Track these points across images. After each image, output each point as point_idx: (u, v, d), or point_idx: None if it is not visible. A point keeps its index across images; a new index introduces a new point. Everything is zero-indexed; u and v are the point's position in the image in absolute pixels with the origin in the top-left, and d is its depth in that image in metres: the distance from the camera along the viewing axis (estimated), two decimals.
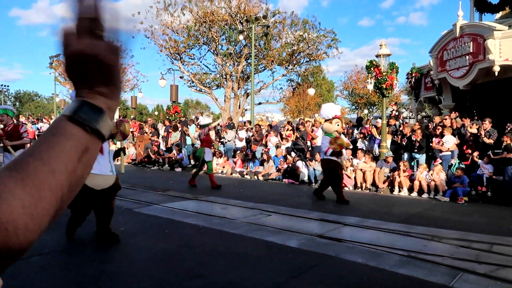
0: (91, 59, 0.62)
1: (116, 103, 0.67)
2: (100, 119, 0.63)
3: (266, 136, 14.33)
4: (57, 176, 0.56)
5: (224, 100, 26.77)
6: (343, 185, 10.39)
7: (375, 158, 11.13)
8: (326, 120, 8.54)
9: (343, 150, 8.65)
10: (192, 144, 15.40)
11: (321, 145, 8.58)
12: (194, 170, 10.47)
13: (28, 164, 0.55)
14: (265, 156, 12.67)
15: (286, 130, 14.50)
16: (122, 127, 4.84)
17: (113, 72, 0.64)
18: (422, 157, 10.70)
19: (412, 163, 10.72)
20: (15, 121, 6.75)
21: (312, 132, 13.40)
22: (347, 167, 10.43)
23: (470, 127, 10.51)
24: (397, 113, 14.13)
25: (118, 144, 4.93)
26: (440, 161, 10.19)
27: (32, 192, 0.53)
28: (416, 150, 10.77)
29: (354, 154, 11.27)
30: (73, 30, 0.63)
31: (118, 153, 5.22)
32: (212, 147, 10.70)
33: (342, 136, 8.92)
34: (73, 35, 0.63)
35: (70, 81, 0.65)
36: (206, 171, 10.27)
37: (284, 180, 11.79)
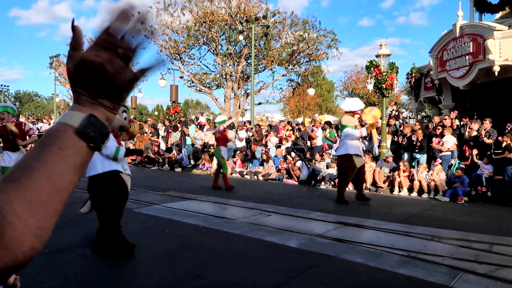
0: (107, 75, 0.61)
1: (115, 116, 0.68)
2: (105, 139, 0.63)
3: (266, 136, 14.33)
4: (62, 194, 0.57)
5: (224, 100, 26.78)
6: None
7: (375, 158, 11.13)
8: (347, 112, 8.26)
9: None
10: (192, 144, 15.40)
11: (347, 136, 7.96)
12: (213, 172, 10.08)
13: (35, 182, 0.55)
14: (264, 156, 12.68)
15: (286, 130, 14.51)
16: (132, 128, 4.76)
17: (123, 93, 0.64)
18: (423, 157, 10.70)
19: (413, 163, 10.72)
20: (15, 120, 6.51)
21: (312, 132, 13.41)
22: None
23: (470, 127, 10.52)
24: (397, 113, 14.13)
25: (123, 143, 4.85)
26: (440, 161, 10.19)
27: (39, 213, 0.54)
28: (417, 150, 10.77)
29: None
30: (103, 39, 0.62)
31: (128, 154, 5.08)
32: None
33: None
34: (99, 44, 0.62)
35: (72, 85, 0.65)
36: (223, 170, 9.85)
37: (284, 180, 11.79)
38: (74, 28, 0.65)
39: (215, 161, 13.72)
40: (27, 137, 6.37)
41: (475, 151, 9.86)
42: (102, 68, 0.60)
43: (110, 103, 0.64)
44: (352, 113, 8.09)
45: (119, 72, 0.61)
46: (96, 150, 0.63)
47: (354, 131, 7.91)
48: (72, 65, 0.63)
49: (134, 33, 0.64)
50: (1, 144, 6.53)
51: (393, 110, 14.28)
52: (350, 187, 10.42)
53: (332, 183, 10.70)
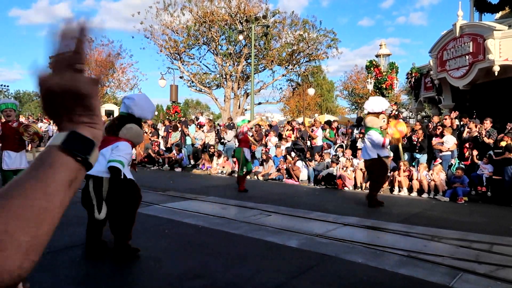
0: (69, 92, 0.63)
1: (101, 132, 0.69)
2: (91, 151, 0.64)
3: (266, 136, 14.33)
4: (54, 213, 0.57)
5: (224, 100, 26.78)
6: (342, 186, 10.42)
7: None
8: (370, 114, 7.82)
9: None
10: (192, 144, 15.40)
11: (369, 141, 7.63)
12: (237, 175, 9.76)
13: (28, 199, 0.55)
14: (264, 156, 12.68)
15: (286, 130, 14.51)
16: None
17: (92, 101, 0.65)
18: (423, 157, 10.69)
19: (413, 163, 10.71)
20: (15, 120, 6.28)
21: (312, 132, 13.41)
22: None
23: (468, 127, 10.52)
24: (396, 113, 14.13)
25: None
26: (440, 161, 10.19)
27: (32, 231, 0.54)
28: (417, 150, 10.76)
29: (354, 154, 11.26)
30: (49, 69, 0.64)
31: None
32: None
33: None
34: (49, 74, 0.64)
35: (49, 117, 0.67)
36: (239, 172, 9.50)
37: (284, 180, 11.79)
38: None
39: (219, 160, 13.76)
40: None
41: (475, 152, 9.85)
42: (60, 90, 0.63)
43: (87, 118, 0.66)
44: (377, 114, 7.69)
45: (73, 83, 0.63)
46: (85, 164, 0.64)
47: (378, 138, 7.48)
48: (41, 101, 0.66)
49: (71, 36, 0.64)
50: None
51: (393, 110, 14.28)
52: (350, 187, 10.43)
53: (332, 183, 10.71)
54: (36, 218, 0.55)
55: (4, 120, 5.95)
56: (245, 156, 9.22)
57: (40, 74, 0.64)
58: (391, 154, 10.83)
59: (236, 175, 11.27)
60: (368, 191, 8.20)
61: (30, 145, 6.28)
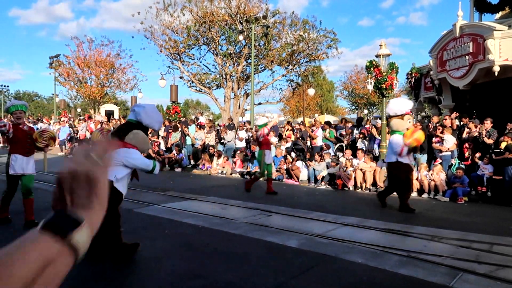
0: (75, 176, 0.65)
1: (100, 215, 0.67)
2: (75, 228, 0.60)
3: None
4: (6, 281, 0.53)
5: (224, 100, 26.77)
6: (342, 186, 10.41)
7: (375, 158, 11.12)
8: (393, 116, 7.57)
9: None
10: (192, 144, 15.40)
11: (392, 145, 7.45)
12: (262, 178, 9.50)
13: None
14: None
15: (286, 131, 14.51)
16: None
17: (96, 187, 0.66)
18: (423, 157, 10.68)
19: (413, 163, 10.69)
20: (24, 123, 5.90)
21: (312, 132, 13.40)
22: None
23: (468, 127, 10.51)
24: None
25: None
26: (440, 161, 10.19)
27: None
28: (418, 151, 10.72)
29: (354, 154, 11.26)
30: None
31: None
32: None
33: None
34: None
35: (54, 203, 0.67)
36: (265, 175, 9.25)
37: (284, 180, 11.79)
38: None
39: (219, 161, 13.74)
40: None
41: (478, 154, 9.79)
42: (72, 174, 0.65)
43: (86, 201, 0.66)
44: (401, 116, 7.46)
45: (89, 169, 0.65)
46: (66, 244, 0.60)
47: (398, 145, 7.25)
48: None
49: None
50: None
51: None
52: (350, 187, 10.42)
53: (332, 183, 10.71)
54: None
55: (14, 122, 5.67)
56: (265, 159, 9.06)
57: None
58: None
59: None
60: (376, 192, 7.92)
61: (44, 150, 6.11)
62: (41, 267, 0.55)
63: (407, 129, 7.48)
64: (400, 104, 7.63)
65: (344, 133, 13.14)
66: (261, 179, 9.98)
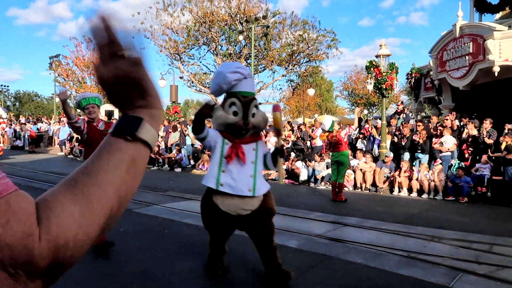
0: (121, 80, 0.66)
1: (159, 111, 0.71)
2: (138, 127, 0.66)
3: (266, 136, 14.31)
4: (104, 188, 0.59)
5: None
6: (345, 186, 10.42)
7: (375, 159, 11.13)
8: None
9: None
10: (192, 145, 15.39)
11: None
12: (332, 183, 8.49)
13: (77, 179, 0.59)
14: None
15: (286, 130, 14.50)
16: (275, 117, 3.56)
17: (143, 83, 0.68)
18: (425, 157, 10.67)
19: (414, 163, 10.70)
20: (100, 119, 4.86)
21: (312, 132, 13.40)
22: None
23: (467, 127, 10.51)
24: (402, 108, 14.14)
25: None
26: (440, 161, 10.19)
27: (81, 204, 0.56)
28: (419, 151, 10.73)
29: (354, 155, 11.26)
30: (99, 62, 0.66)
31: (275, 154, 3.41)
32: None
33: None
34: (99, 66, 0.66)
35: (117, 107, 0.70)
36: (339, 179, 8.34)
37: (284, 180, 11.79)
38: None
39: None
40: None
41: (484, 157, 9.71)
42: (110, 80, 0.66)
43: (144, 101, 0.68)
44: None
45: (118, 70, 0.65)
46: (138, 141, 0.65)
47: None
48: (101, 88, 0.69)
49: (101, 28, 0.66)
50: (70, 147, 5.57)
51: (398, 107, 14.26)
52: (350, 187, 10.42)
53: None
54: (84, 192, 0.57)
55: (86, 119, 4.72)
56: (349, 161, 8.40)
57: (95, 67, 0.67)
58: (391, 155, 10.84)
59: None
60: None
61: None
62: (127, 168, 0.63)
63: None
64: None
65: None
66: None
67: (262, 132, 4.05)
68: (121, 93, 0.67)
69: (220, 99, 3.57)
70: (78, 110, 5.65)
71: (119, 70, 0.65)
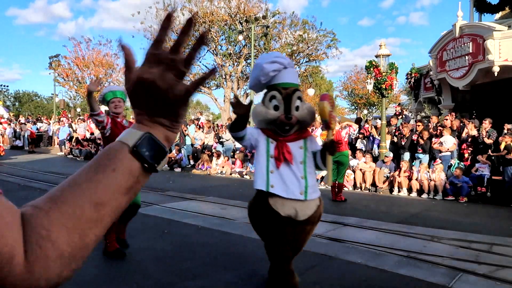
0: (159, 91, 0.60)
1: (175, 135, 0.66)
2: (161, 159, 0.61)
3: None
4: (103, 223, 0.54)
5: (224, 101, 26.77)
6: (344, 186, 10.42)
7: (375, 159, 11.13)
8: None
9: None
10: (192, 144, 15.39)
11: None
12: (335, 182, 8.25)
13: (80, 207, 0.52)
14: None
15: None
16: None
17: (177, 109, 0.62)
18: (425, 157, 10.68)
19: (413, 163, 10.71)
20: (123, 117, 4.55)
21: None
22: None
23: (467, 127, 10.52)
24: (400, 110, 14.14)
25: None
26: (440, 161, 10.19)
27: (76, 242, 0.51)
28: (420, 151, 10.73)
29: (353, 155, 11.26)
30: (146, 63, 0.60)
31: (324, 152, 2.98)
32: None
33: None
34: (149, 60, 0.60)
35: (132, 104, 0.64)
36: (339, 179, 8.27)
37: None
38: (123, 48, 0.62)
39: (218, 161, 13.72)
40: None
41: (485, 157, 9.73)
42: (153, 85, 0.59)
43: (167, 121, 0.62)
44: None
45: (170, 87, 0.59)
46: (151, 171, 0.60)
47: None
48: (128, 86, 0.62)
49: (186, 44, 0.62)
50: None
51: (397, 110, 14.26)
52: (350, 187, 10.41)
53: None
54: (82, 229, 0.52)
55: (111, 114, 4.38)
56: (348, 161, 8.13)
57: (130, 59, 0.61)
58: (391, 155, 10.84)
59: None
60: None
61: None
62: (127, 190, 0.57)
63: None
64: None
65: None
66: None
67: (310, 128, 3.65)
68: (149, 102, 0.61)
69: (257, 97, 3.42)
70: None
71: (167, 81, 0.59)
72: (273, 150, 2.89)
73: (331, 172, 3.24)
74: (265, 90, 3.10)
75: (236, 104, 2.86)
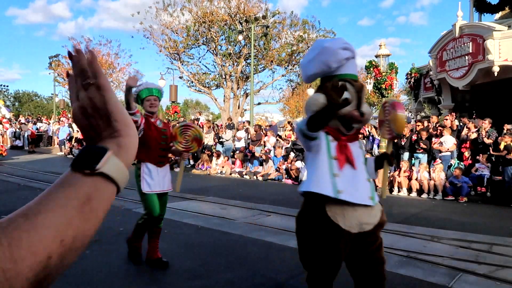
0: (87, 110, 0.61)
1: (129, 138, 0.62)
2: (100, 158, 0.57)
3: (265, 136, 14.32)
4: (40, 233, 0.49)
5: (224, 100, 26.77)
6: None
7: None
8: None
9: None
10: None
11: None
12: None
13: (12, 219, 0.49)
14: (264, 157, 12.68)
15: (286, 130, 14.50)
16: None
17: (108, 107, 0.61)
18: (424, 157, 10.68)
19: (412, 162, 10.71)
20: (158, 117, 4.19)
21: None
22: None
23: (467, 127, 10.52)
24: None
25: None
26: (440, 161, 10.19)
27: (37, 269, 0.48)
28: (421, 151, 10.73)
29: None
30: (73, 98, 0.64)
31: (380, 161, 2.66)
32: None
33: None
34: (73, 102, 0.63)
35: (87, 143, 0.63)
36: None
37: (283, 180, 11.79)
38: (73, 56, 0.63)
39: (218, 161, 13.70)
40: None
41: (485, 157, 9.74)
42: (82, 111, 0.62)
43: (109, 129, 0.61)
44: None
45: (91, 98, 0.61)
46: (98, 176, 0.56)
47: None
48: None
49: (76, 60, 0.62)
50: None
51: None
52: None
53: None
54: (43, 251, 0.49)
55: (146, 114, 3.94)
56: None
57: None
58: None
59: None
60: None
61: (182, 156, 4.06)
62: (79, 207, 0.53)
63: None
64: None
65: None
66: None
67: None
68: (90, 125, 0.61)
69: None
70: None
71: (85, 100, 0.61)
72: (335, 150, 2.44)
73: (386, 184, 2.94)
74: (319, 80, 2.63)
75: (335, 92, 2.37)
